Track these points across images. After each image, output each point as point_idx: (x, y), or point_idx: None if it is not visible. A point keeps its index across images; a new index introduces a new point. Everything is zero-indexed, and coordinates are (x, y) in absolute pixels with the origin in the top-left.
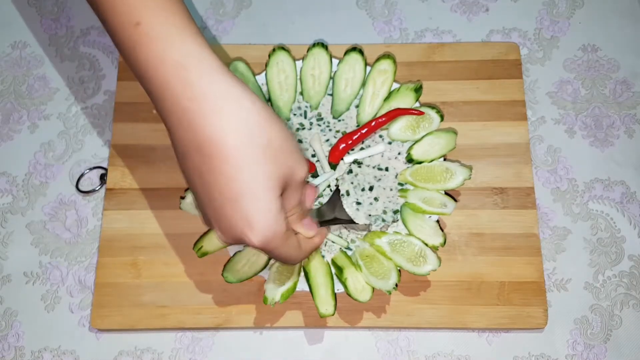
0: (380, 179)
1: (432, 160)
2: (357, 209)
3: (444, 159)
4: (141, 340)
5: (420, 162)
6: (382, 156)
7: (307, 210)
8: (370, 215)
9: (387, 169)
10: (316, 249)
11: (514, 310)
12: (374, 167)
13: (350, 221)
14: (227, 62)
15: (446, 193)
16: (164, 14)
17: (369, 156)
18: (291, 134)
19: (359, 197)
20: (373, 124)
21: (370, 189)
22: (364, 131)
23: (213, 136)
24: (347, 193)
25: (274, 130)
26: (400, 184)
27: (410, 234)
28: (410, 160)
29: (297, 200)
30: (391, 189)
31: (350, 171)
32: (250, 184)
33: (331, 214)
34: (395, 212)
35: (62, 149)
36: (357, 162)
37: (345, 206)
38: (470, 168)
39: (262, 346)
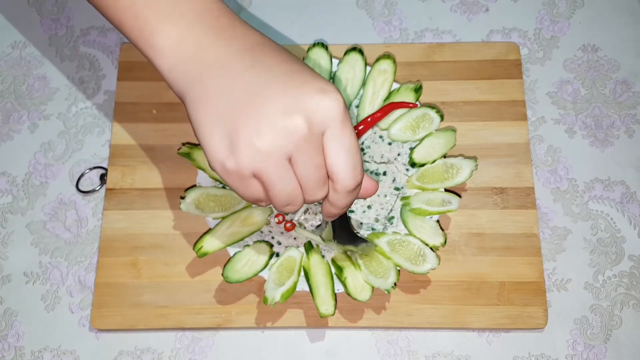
0: None
1: (434, 161)
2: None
3: (446, 157)
4: (141, 340)
5: (423, 165)
6: (382, 156)
7: None
8: (362, 223)
9: (384, 174)
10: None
11: (514, 310)
12: (371, 173)
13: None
14: None
15: (448, 190)
16: None
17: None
18: None
19: (352, 205)
20: (369, 119)
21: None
22: (360, 128)
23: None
24: None
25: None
26: (396, 188)
27: (410, 234)
28: (413, 164)
29: None
30: (385, 195)
31: None
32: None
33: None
34: (390, 219)
35: (62, 149)
36: None
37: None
38: (475, 159)
39: (262, 346)
